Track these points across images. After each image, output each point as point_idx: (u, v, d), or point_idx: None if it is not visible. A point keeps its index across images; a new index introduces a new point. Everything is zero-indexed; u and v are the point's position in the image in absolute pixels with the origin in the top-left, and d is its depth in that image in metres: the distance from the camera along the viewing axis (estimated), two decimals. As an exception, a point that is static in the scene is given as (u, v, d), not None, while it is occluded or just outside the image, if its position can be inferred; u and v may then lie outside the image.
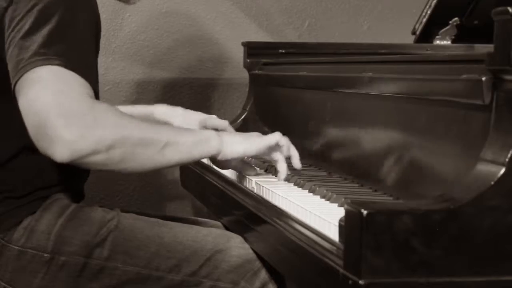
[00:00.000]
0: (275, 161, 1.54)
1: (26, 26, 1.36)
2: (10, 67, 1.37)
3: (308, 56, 2.19)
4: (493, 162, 1.05)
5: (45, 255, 1.47)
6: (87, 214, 1.51)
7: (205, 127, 1.85)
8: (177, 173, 2.20)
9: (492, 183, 1.03)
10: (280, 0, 2.70)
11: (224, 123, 1.91)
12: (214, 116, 1.93)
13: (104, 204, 1.68)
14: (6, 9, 1.40)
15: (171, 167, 1.46)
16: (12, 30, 1.38)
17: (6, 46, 1.39)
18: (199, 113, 1.97)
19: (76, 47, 1.38)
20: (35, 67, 1.32)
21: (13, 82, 1.34)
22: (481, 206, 1.02)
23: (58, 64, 1.32)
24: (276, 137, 1.54)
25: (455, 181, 1.09)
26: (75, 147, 1.27)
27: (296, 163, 1.56)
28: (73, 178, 1.55)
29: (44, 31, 1.35)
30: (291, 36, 2.70)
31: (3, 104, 1.46)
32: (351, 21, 2.76)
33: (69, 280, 1.48)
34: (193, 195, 2.16)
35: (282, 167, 1.52)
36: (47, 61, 1.32)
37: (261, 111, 2.16)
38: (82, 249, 1.47)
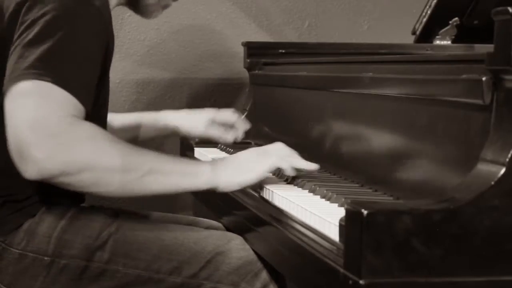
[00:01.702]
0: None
1: (30, 36, 1.36)
2: (6, 73, 1.37)
3: (308, 56, 2.19)
4: (493, 162, 1.05)
5: (46, 258, 1.46)
6: (88, 217, 1.51)
7: (214, 124, 1.89)
8: (177, 173, 2.19)
9: (492, 183, 1.03)
10: (280, 0, 2.70)
11: (233, 117, 1.92)
12: (223, 111, 1.94)
13: (104, 204, 1.67)
14: (18, 11, 1.40)
15: (156, 195, 1.40)
16: (19, 36, 1.38)
17: (11, 50, 1.38)
18: (205, 112, 1.97)
19: (75, 65, 1.36)
20: (26, 79, 1.31)
21: (4, 88, 1.35)
22: (481, 206, 1.02)
23: (49, 81, 1.31)
24: (275, 163, 1.46)
25: (455, 181, 1.09)
26: (43, 166, 1.26)
27: (309, 168, 1.51)
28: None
29: (46, 45, 1.34)
30: (291, 36, 2.70)
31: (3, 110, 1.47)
32: (351, 21, 2.76)
33: (70, 283, 1.47)
34: (193, 195, 2.16)
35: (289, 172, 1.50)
36: (39, 75, 1.31)
37: (261, 111, 2.16)
38: (83, 252, 1.47)
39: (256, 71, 2.20)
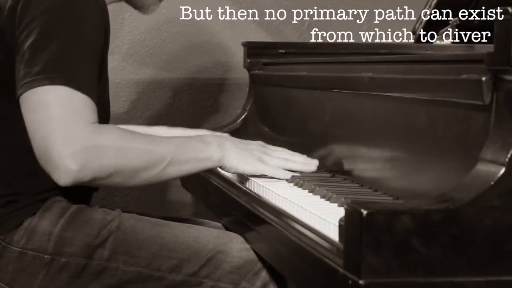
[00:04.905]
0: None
1: (35, 34, 1.37)
2: (17, 73, 1.38)
3: (308, 56, 2.19)
4: (493, 162, 1.05)
5: (46, 256, 1.47)
6: (88, 215, 1.51)
7: None
8: (177, 173, 2.19)
9: (492, 183, 1.03)
10: (280, 0, 2.70)
11: None
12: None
13: (104, 204, 1.67)
14: (14, 8, 1.40)
15: (173, 179, 1.54)
16: (21, 34, 1.39)
17: (17, 49, 1.39)
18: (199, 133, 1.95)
19: (83, 62, 1.39)
20: (42, 85, 1.34)
21: (18, 92, 1.37)
22: (481, 206, 1.02)
23: (65, 84, 1.34)
24: (269, 172, 1.55)
25: (455, 181, 1.09)
26: (77, 175, 1.33)
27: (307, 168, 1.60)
28: (79, 189, 1.55)
29: (52, 44, 1.36)
30: (291, 36, 2.70)
31: (7, 113, 1.48)
32: (351, 21, 2.75)
33: (70, 281, 1.47)
34: (193, 195, 2.16)
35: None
36: (54, 80, 1.34)
37: (261, 111, 2.16)
38: (83, 250, 1.47)
39: (256, 71, 2.20)
